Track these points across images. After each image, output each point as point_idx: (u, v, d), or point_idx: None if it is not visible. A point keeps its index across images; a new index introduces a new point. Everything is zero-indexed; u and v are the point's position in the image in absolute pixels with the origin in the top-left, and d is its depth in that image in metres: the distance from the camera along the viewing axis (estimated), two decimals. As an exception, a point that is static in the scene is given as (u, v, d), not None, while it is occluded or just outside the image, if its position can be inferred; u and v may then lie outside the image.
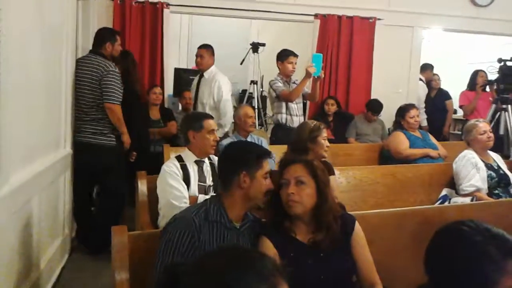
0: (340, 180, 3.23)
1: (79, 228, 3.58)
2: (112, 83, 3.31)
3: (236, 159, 1.76)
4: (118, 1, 4.78)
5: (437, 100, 6.01)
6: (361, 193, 3.29)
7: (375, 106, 5.08)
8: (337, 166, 3.43)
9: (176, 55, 6.77)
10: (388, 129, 5.13)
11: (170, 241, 1.59)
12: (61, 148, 3.09)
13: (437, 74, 6.14)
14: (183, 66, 6.65)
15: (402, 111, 4.10)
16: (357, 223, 1.83)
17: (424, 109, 5.77)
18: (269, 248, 1.70)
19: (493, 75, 4.89)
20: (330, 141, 2.88)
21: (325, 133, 2.83)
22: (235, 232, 1.71)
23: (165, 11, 4.87)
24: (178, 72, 5.18)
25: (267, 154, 1.81)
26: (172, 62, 5.36)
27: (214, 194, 2.38)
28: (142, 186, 2.67)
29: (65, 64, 3.06)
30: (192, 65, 6.82)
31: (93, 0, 4.10)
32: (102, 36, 3.52)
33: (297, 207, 1.71)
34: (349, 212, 1.97)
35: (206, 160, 2.62)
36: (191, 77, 5.10)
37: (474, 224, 1.12)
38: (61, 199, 3.11)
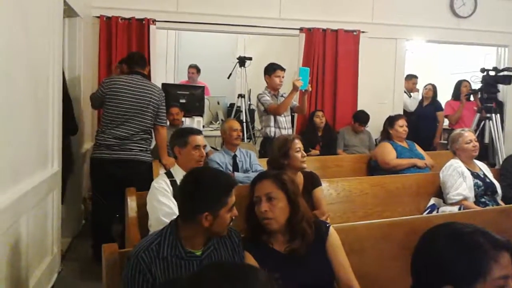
0: (330, 192, 3.25)
1: (97, 243, 3.50)
2: (165, 107, 3.69)
3: (197, 200, 1.63)
4: (104, 18, 4.80)
5: (428, 110, 6.07)
6: (351, 204, 3.31)
7: (362, 117, 5.13)
8: (327, 177, 3.47)
9: (163, 70, 6.80)
10: (375, 139, 5.19)
11: (124, 282, 1.58)
12: (48, 167, 3.06)
13: (431, 84, 6.22)
14: (170, 81, 6.68)
15: (392, 120, 4.17)
16: (331, 228, 1.88)
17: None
18: (250, 261, 1.74)
19: (476, 85, 4.99)
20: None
21: (297, 144, 2.81)
22: (195, 260, 1.65)
23: (152, 27, 4.89)
24: (165, 87, 5.17)
25: (231, 187, 1.68)
26: (159, 78, 5.37)
27: None
28: (132, 203, 2.67)
29: (52, 82, 3.05)
30: (179, 80, 6.87)
31: (79, 18, 4.12)
32: (145, 59, 3.78)
33: (272, 223, 1.77)
34: (338, 224, 1.99)
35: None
36: (178, 92, 5.11)
37: (462, 222, 1.16)
38: (49, 218, 3.08)
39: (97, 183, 3.64)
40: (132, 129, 3.48)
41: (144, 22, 4.87)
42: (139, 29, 4.88)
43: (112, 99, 3.47)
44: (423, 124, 5.93)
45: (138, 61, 3.68)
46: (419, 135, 5.79)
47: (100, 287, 1.80)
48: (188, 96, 5.15)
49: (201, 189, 1.64)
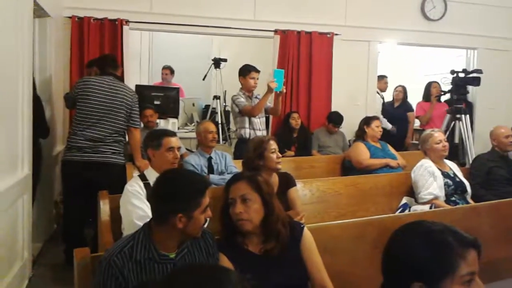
0: (305, 192, 3.28)
1: (68, 247, 3.46)
2: (138, 109, 3.66)
3: (170, 202, 1.60)
4: (76, 19, 4.72)
5: (399, 111, 6.18)
6: (325, 204, 3.34)
7: (336, 118, 5.19)
8: (301, 178, 3.49)
9: (137, 71, 6.72)
10: (349, 140, 5.25)
11: (97, 285, 1.57)
12: (18, 170, 3.00)
13: (401, 86, 6.34)
14: (144, 82, 6.61)
15: (369, 120, 4.25)
16: (305, 229, 1.90)
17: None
18: (225, 263, 1.75)
19: (446, 86, 5.11)
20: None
21: (272, 146, 2.83)
22: (169, 263, 1.64)
23: (125, 28, 4.84)
24: (139, 89, 5.12)
25: (205, 188, 1.66)
26: (133, 79, 5.32)
27: None
28: (105, 206, 2.63)
29: (21, 83, 2.99)
30: (153, 82, 6.80)
31: (50, 18, 4.05)
32: (117, 61, 3.75)
33: (247, 224, 1.78)
34: (313, 224, 2.00)
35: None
36: (153, 94, 5.07)
37: (431, 221, 1.19)
38: (19, 223, 3.01)
39: (68, 186, 3.57)
40: (104, 131, 3.43)
41: (117, 22, 4.81)
42: (112, 29, 4.82)
43: (83, 100, 3.41)
44: (395, 124, 6.04)
45: (110, 63, 3.64)
46: (391, 136, 5.91)
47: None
48: (162, 98, 5.12)
49: (175, 191, 1.62)
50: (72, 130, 3.46)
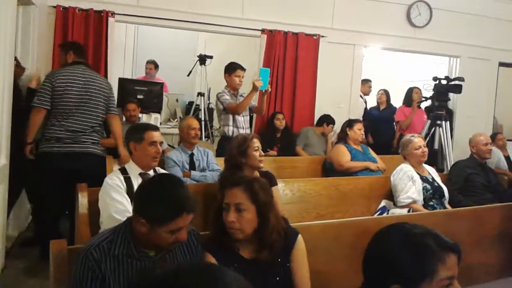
0: (286, 192, 3.29)
1: (43, 240, 3.34)
2: (114, 96, 3.69)
3: (139, 204, 1.59)
4: (61, 8, 4.63)
5: (385, 114, 6.23)
6: (306, 204, 3.36)
7: (329, 119, 5.27)
8: (283, 178, 3.50)
9: (121, 65, 6.64)
10: (331, 142, 5.29)
11: (73, 278, 1.55)
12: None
13: (383, 90, 6.41)
14: (127, 76, 6.53)
15: (351, 122, 4.30)
16: (299, 238, 1.83)
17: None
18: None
19: (428, 93, 5.18)
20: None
21: (256, 144, 2.84)
22: (148, 260, 1.61)
23: (110, 19, 4.77)
24: (122, 82, 5.07)
25: (178, 214, 1.54)
26: (116, 72, 5.25)
27: None
28: (83, 199, 2.59)
29: (2, 72, 2.92)
30: (138, 75, 6.74)
31: (34, 7, 3.97)
32: (82, 49, 3.71)
33: (238, 233, 1.71)
34: (292, 224, 1.99)
35: (151, 172, 2.59)
36: (136, 88, 5.02)
37: (413, 223, 1.19)
38: (-6, 213, 2.95)
39: (46, 178, 3.46)
40: (84, 121, 3.42)
41: (102, 14, 4.74)
42: (97, 21, 4.74)
43: (61, 91, 3.36)
44: (382, 127, 6.10)
45: (82, 51, 3.67)
46: (378, 138, 5.97)
47: (46, 284, 1.74)
48: (146, 92, 5.07)
49: (149, 195, 1.58)
50: (51, 121, 3.39)
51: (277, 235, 1.75)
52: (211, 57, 5.38)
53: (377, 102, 6.47)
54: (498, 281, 2.89)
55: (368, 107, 6.66)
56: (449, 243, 1.11)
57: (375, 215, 3.42)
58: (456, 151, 5.11)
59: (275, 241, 1.73)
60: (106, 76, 4.81)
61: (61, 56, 3.71)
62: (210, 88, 5.66)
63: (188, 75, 5.54)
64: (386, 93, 6.35)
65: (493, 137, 5.22)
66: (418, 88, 5.78)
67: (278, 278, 1.75)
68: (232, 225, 1.70)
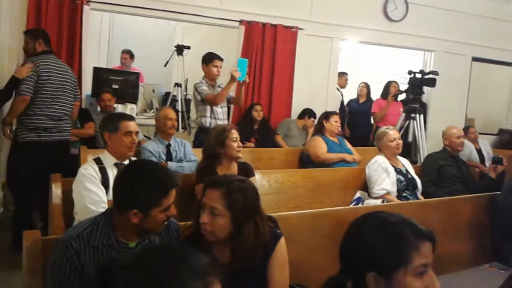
0: (263, 183, 3.30)
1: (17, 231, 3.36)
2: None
3: (128, 195, 1.56)
4: (34, -5, 4.50)
5: (364, 107, 6.29)
6: (283, 195, 3.38)
7: (311, 112, 5.30)
8: (260, 169, 3.51)
9: (96, 54, 6.50)
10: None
11: (51, 268, 1.52)
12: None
13: (364, 82, 6.48)
14: (102, 65, 6.41)
15: (328, 114, 4.35)
16: (280, 242, 1.73)
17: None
18: None
19: (404, 86, 5.26)
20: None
21: (234, 134, 2.84)
22: (128, 251, 1.59)
23: (85, 7, 4.66)
24: (97, 71, 4.96)
25: (168, 189, 1.58)
26: (91, 61, 5.14)
27: None
28: (57, 189, 2.54)
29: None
30: (113, 65, 6.61)
31: (5, -7, 3.85)
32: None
33: (208, 235, 1.63)
34: (270, 214, 1.94)
35: (127, 162, 2.55)
36: (111, 77, 4.93)
37: (389, 212, 1.20)
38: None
39: (28, 168, 3.44)
40: (62, 109, 3.58)
41: (77, 1, 4.62)
42: (71, 9, 4.62)
43: (44, 80, 3.44)
44: (360, 120, 6.17)
45: (49, 40, 3.70)
46: (356, 131, 6.04)
47: (18, 276, 1.71)
48: (121, 82, 4.99)
49: (134, 185, 1.56)
50: (33, 110, 3.43)
51: (254, 245, 1.63)
52: (188, 47, 5.31)
53: (357, 95, 6.54)
54: (470, 270, 2.98)
55: (345, 100, 6.71)
56: (424, 232, 1.13)
57: (351, 206, 3.46)
58: (429, 144, 5.22)
59: (251, 250, 1.63)
60: (80, 65, 4.73)
61: (29, 43, 3.62)
62: (187, 79, 5.60)
63: (165, 65, 5.46)
64: (367, 86, 6.44)
65: (466, 130, 5.34)
66: (396, 82, 5.87)
67: (254, 284, 1.67)
68: (203, 227, 1.62)
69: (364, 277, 1.10)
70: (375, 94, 6.40)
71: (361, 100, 6.45)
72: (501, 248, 2.98)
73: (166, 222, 1.64)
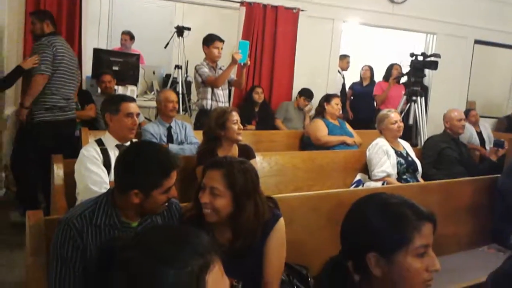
0: (263, 165, 3.31)
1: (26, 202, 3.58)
2: None
3: (129, 175, 1.58)
4: (33, -25, 4.44)
5: (368, 90, 6.23)
6: (283, 177, 3.39)
7: (308, 93, 5.27)
8: (261, 151, 3.52)
9: (95, 35, 6.44)
10: (309, 116, 5.32)
11: (53, 247, 1.54)
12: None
13: (367, 65, 6.43)
14: (102, 47, 6.35)
15: (329, 97, 4.34)
16: (279, 222, 1.75)
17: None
18: None
19: (406, 69, 5.23)
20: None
21: (235, 117, 2.83)
22: (130, 231, 1.61)
23: (85, -12, 4.62)
24: (97, 52, 4.93)
25: (170, 170, 1.60)
26: (91, 42, 5.11)
27: None
28: (59, 170, 2.56)
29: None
30: (113, 46, 6.56)
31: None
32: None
33: (209, 216, 1.65)
34: (271, 196, 1.95)
35: (128, 144, 2.56)
36: (111, 59, 4.90)
37: (390, 194, 1.21)
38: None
39: (40, 148, 3.50)
40: (72, 88, 3.76)
41: (76, -19, 4.57)
42: (71, -11, 4.58)
43: (59, 60, 3.56)
44: (364, 103, 6.13)
45: (53, 21, 3.74)
46: (360, 113, 6.02)
47: (20, 256, 1.73)
48: (121, 64, 4.96)
49: (135, 165, 1.57)
50: (49, 90, 3.55)
51: (254, 224, 1.66)
52: (188, 28, 5.27)
53: (360, 77, 6.50)
54: (469, 251, 3.01)
55: (346, 83, 6.68)
56: (425, 213, 1.14)
57: (351, 188, 3.48)
58: (430, 127, 5.21)
59: (251, 230, 1.66)
60: (80, 46, 4.71)
61: (36, 25, 3.63)
62: (187, 61, 5.57)
63: (165, 47, 5.42)
64: (371, 69, 6.39)
65: (467, 113, 5.33)
66: (399, 65, 5.83)
67: (252, 263, 1.70)
68: (204, 206, 1.65)
69: (365, 258, 1.11)
70: (378, 77, 6.37)
71: (365, 83, 6.40)
72: (500, 230, 3.00)
73: (167, 204, 1.65)
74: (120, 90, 4.89)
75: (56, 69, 3.54)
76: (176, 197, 1.68)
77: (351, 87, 6.58)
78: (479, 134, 5.58)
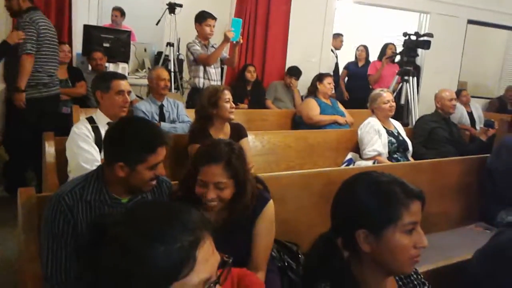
0: (256, 144, 3.32)
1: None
2: None
3: (115, 147, 1.58)
4: None
5: (363, 70, 6.19)
6: (275, 156, 3.41)
7: (295, 71, 5.24)
8: (253, 130, 3.52)
9: (86, 11, 6.33)
10: (302, 96, 5.31)
11: (45, 223, 1.55)
12: None
13: (363, 46, 6.39)
14: (93, 23, 6.25)
15: (321, 76, 4.33)
16: (268, 205, 1.76)
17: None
18: None
19: (400, 49, 5.21)
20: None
21: (227, 95, 2.81)
22: (120, 206, 1.62)
23: (74, -38, 4.51)
24: (87, 29, 4.86)
25: (156, 146, 1.58)
26: (81, 19, 5.02)
27: None
28: (50, 148, 2.55)
29: None
30: (103, 23, 6.45)
31: None
32: None
33: (216, 207, 1.65)
34: (262, 174, 1.98)
35: (120, 121, 2.55)
36: (102, 36, 4.83)
37: (380, 172, 1.23)
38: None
39: (29, 125, 3.56)
40: (55, 64, 3.73)
41: (65, -45, 4.47)
42: (60, -37, 4.47)
43: (42, 37, 3.52)
44: (360, 83, 6.11)
45: None
46: (355, 93, 6.01)
47: (12, 233, 1.73)
48: (112, 41, 4.90)
49: (122, 138, 1.57)
50: (34, 68, 3.53)
51: (251, 200, 1.69)
52: (180, 5, 5.19)
53: (355, 57, 6.45)
54: (456, 229, 3.06)
55: (340, 62, 6.65)
56: (414, 191, 1.16)
57: (342, 167, 3.50)
58: (421, 106, 5.23)
59: (246, 208, 1.68)
60: (70, 23, 4.64)
61: (12, 0, 3.56)
62: (179, 38, 5.50)
63: (157, 24, 5.35)
64: (366, 49, 6.34)
65: (458, 93, 5.36)
66: (393, 44, 5.81)
67: (243, 241, 1.71)
68: (211, 203, 1.62)
69: (354, 234, 1.13)
70: (374, 57, 6.35)
71: (360, 64, 6.35)
72: (488, 209, 3.05)
73: (154, 182, 1.64)
74: (111, 67, 4.84)
75: (40, 47, 3.52)
76: (164, 174, 1.66)
77: (346, 67, 6.52)
78: (470, 114, 5.61)
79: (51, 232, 1.52)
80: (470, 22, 6.58)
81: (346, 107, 4.56)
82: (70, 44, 4.58)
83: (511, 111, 6.22)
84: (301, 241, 2.07)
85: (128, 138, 1.57)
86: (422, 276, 1.29)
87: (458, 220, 3.12)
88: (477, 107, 5.86)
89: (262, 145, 3.36)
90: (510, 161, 2.91)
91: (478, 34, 6.90)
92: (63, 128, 2.87)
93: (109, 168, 1.60)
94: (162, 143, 1.60)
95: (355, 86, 6.18)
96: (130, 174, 1.56)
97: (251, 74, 5.11)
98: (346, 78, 6.48)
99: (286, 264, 1.95)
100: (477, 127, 5.35)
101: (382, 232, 1.11)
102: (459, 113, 5.29)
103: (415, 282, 1.26)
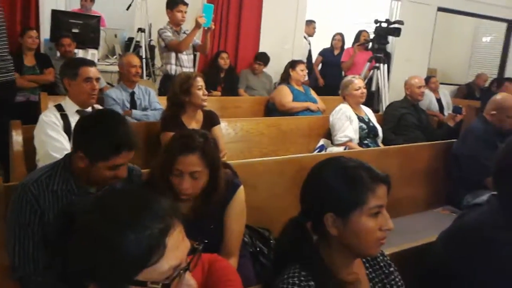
0: (229, 131, 3.33)
1: None
2: None
3: (79, 137, 1.56)
4: None
5: (339, 58, 6.19)
6: (248, 143, 3.42)
7: (262, 57, 5.25)
8: (226, 117, 3.52)
9: (53, -5, 6.16)
10: (274, 83, 5.32)
11: (11, 213, 1.53)
12: None
13: (339, 34, 6.40)
14: (61, 8, 6.08)
15: (294, 63, 4.35)
16: (239, 190, 1.77)
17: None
18: None
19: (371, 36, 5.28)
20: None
21: (199, 82, 2.79)
22: (88, 196, 1.59)
23: None
24: (56, 14, 4.72)
25: (120, 149, 1.53)
26: (48, 3, 4.88)
27: None
28: (17, 136, 2.49)
29: None
30: (72, 8, 6.28)
31: None
32: None
33: (190, 195, 1.64)
34: (235, 162, 2.00)
35: (90, 110, 2.51)
36: (71, 21, 4.70)
37: (348, 157, 1.26)
38: None
39: None
40: (7, 47, 3.36)
41: None
42: None
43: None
44: (334, 71, 6.14)
45: None
46: (330, 80, 6.04)
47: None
48: (81, 26, 4.77)
49: (92, 128, 1.55)
50: None
51: (224, 188, 1.69)
52: (151, -10, 5.10)
53: (331, 45, 6.45)
54: (424, 213, 3.16)
55: (312, 49, 6.68)
56: (380, 175, 1.19)
57: (314, 153, 3.55)
58: (392, 93, 5.33)
59: (216, 196, 1.68)
60: (37, 7, 4.51)
61: None
62: (151, 24, 5.41)
63: (127, 9, 5.24)
64: (342, 38, 6.37)
65: (427, 80, 5.47)
66: (367, 32, 5.86)
67: (215, 227, 1.72)
68: (185, 192, 1.61)
69: (323, 218, 1.16)
70: (347, 44, 6.39)
71: (336, 52, 6.38)
72: (454, 192, 3.15)
73: (114, 181, 1.59)
74: (80, 53, 4.73)
75: None
76: (124, 177, 1.61)
77: (322, 53, 6.52)
78: (439, 100, 5.75)
79: (18, 222, 1.50)
80: (440, 9, 6.70)
81: (320, 94, 4.60)
82: (37, 29, 4.45)
83: (479, 98, 6.39)
84: (274, 226, 2.09)
85: (97, 130, 1.53)
86: (388, 257, 1.33)
87: (425, 204, 3.22)
88: (445, 94, 6.01)
89: (235, 132, 3.37)
90: (475, 146, 2.99)
91: (447, 22, 7.04)
92: (21, 118, 2.76)
93: (72, 155, 1.59)
94: (130, 147, 1.55)
95: (330, 74, 6.23)
96: (89, 167, 1.53)
97: (224, 61, 5.08)
98: (320, 65, 6.51)
99: (258, 249, 1.98)
100: (445, 113, 5.49)
101: (348, 216, 1.14)
102: (428, 100, 5.41)
103: (382, 264, 1.30)
